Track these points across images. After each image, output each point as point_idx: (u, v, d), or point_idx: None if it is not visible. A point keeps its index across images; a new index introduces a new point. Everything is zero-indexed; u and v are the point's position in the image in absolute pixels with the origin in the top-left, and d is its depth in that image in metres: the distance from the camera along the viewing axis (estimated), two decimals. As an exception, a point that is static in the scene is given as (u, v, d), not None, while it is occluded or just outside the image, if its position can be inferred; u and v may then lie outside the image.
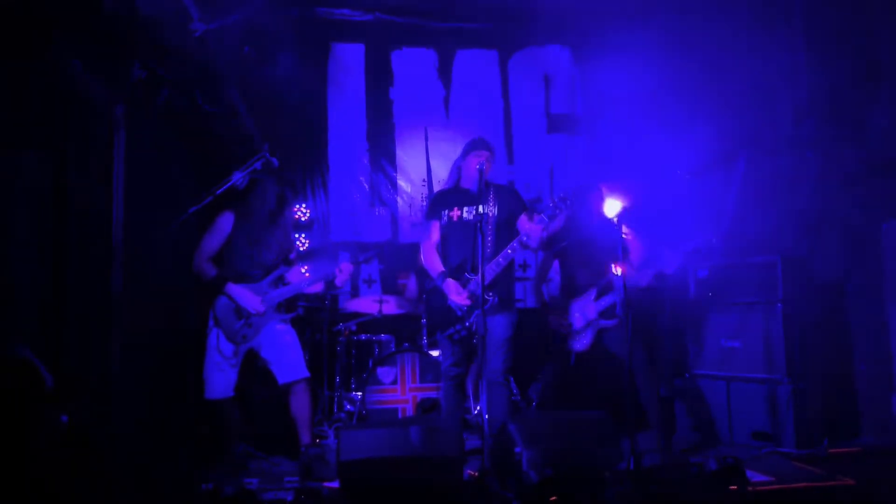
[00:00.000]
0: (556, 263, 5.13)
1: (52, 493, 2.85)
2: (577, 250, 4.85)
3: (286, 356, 4.44)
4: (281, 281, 4.54)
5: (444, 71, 6.84)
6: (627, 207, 4.54)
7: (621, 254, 4.68)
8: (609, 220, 4.44)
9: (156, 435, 4.33)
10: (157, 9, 3.59)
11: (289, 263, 4.57)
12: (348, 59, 6.75)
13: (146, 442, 4.15)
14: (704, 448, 4.82)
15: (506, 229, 4.40)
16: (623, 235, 4.73)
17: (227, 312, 4.35)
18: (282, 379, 4.42)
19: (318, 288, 4.67)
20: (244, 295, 4.34)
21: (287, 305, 4.60)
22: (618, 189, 4.74)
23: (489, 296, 4.05)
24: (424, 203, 6.67)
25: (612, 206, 4.30)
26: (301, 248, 6.00)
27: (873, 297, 4.76)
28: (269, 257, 4.49)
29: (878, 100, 4.71)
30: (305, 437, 4.43)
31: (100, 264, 3.82)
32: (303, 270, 4.83)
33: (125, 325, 3.87)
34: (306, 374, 4.46)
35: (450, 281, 4.33)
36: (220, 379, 4.33)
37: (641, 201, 4.58)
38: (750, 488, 3.63)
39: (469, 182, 4.45)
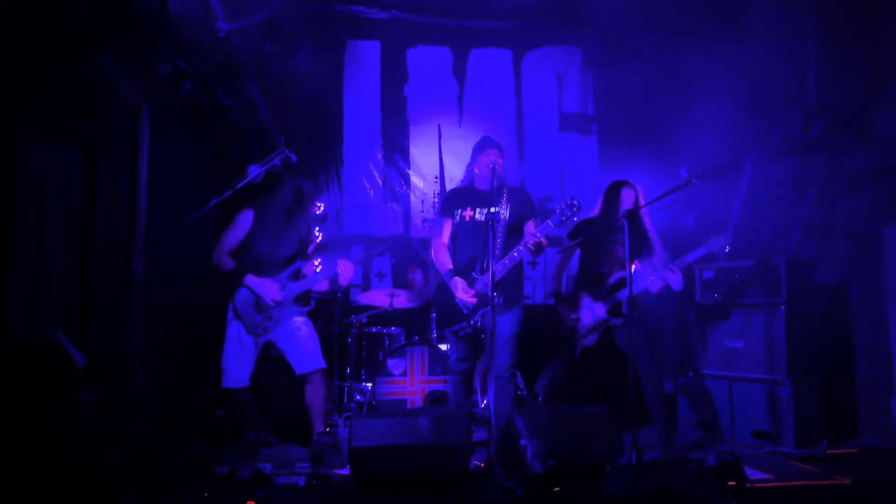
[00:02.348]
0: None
1: (72, 470, 2.97)
2: (598, 244, 4.88)
3: (303, 347, 4.54)
4: (299, 274, 4.65)
5: (459, 69, 6.92)
6: (642, 206, 4.65)
7: (642, 252, 4.78)
8: (634, 217, 4.54)
9: (173, 417, 4.46)
10: (184, 8, 3.71)
11: (306, 258, 4.67)
12: (364, 55, 6.83)
13: (164, 424, 4.28)
14: (706, 445, 4.91)
15: (516, 231, 4.48)
16: (647, 234, 4.82)
17: (247, 305, 4.46)
18: (299, 369, 4.53)
19: (324, 286, 4.78)
20: (263, 284, 4.44)
21: (304, 299, 4.72)
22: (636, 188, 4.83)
23: (495, 295, 4.15)
24: (436, 199, 6.77)
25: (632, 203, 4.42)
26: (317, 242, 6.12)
27: (875, 301, 4.82)
28: (287, 251, 4.60)
29: (884, 106, 4.77)
30: (319, 426, 4.54)
31: (124, 253, 3.94)
32: (316, 263, 4.94)
33: (146, 312, 3.99)
34: (323, 364, 4.57)
35: (457, 279, 4.43)
36: (237, 369, 4.45)
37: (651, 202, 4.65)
38: (748, 485, 3.71)
39: (482, 182, 4.52)
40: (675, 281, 4.59)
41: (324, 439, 4.34)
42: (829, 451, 4.57)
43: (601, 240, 4.84)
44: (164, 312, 4.47)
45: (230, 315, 4.47)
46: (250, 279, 4.44)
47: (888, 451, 4.60)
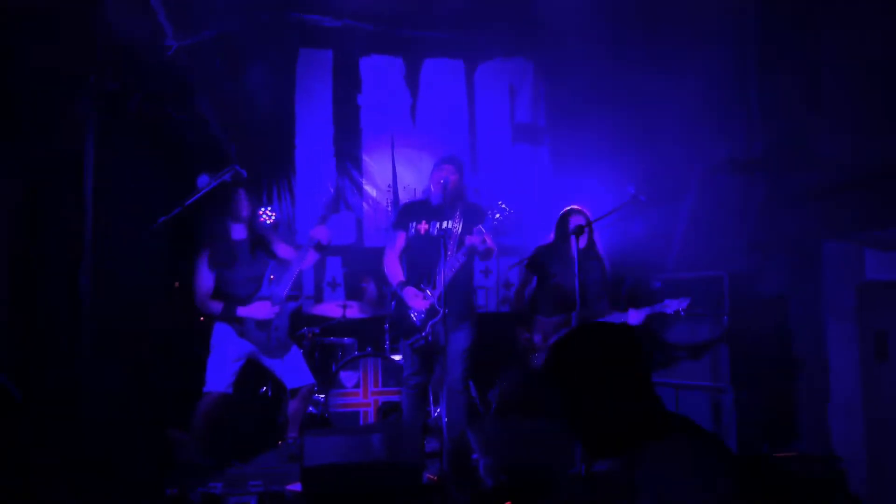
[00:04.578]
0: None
1: (21, 497, 2.91)
2: (553, 272, 5.01)
3: (294, 363, 4.72)
4: (271, 280, 4.73)
5: (412, 79, 6.96)
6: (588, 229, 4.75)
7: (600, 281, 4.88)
8: (591, 251, 4.65)
9: (123, 440, 4.39)
10: (131, 25, 3.65)
11: (273, 257, 4.75)
12: (317, 64, 6.80)
13: (114, 448, 4.22)
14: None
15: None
16: (601, 259, 4.93)
17: (252, 331, 4.56)
18: (291, 384, 4.69)
19: (313, 258, 4.80)
20: (255, 309, 4.54)
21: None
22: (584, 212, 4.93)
23: (445, 309, 4.22)
24: (389, 208, 6.79)
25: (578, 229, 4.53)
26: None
27: (813, 312, 4.98)
28: (256, 269, 4.67)
29: (823, 126, 4.93)
30: (294, 432, 4.75)
31: (69, 271, 3.87)
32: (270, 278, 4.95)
33: (94, 331, 3.92)
34: (312, 380, 4.76)
35: (409, 288, 4.48)
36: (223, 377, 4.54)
37: (599, 219, 4.75)
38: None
39: (437, 197, 4.57)
40: (635, 319, 4.73)
41: (299, 441, 4.44)
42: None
43: (557, 269, 4.97)
44: (114, 332, 4.41)
45: (232, 330, 4.53)
46: (241, 311, 4.53)
47: (823, 457, 4.77)
